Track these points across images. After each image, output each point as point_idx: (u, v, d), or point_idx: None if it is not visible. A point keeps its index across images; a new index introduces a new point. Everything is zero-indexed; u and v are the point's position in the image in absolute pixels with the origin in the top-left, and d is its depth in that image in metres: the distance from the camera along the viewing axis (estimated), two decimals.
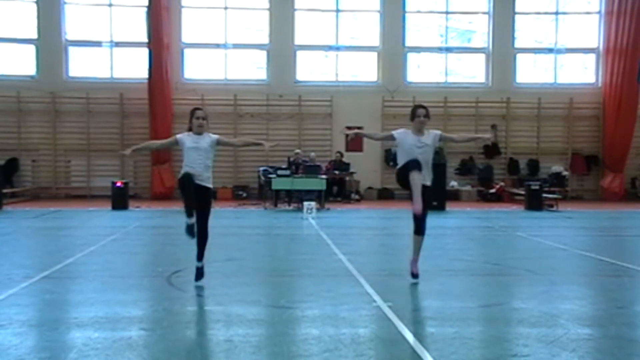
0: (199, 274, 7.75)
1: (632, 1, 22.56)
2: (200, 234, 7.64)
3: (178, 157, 6.94)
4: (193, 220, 7.40)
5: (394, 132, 7.96)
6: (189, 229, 7.41)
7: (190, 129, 7.68)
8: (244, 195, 22.26)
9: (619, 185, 23.09)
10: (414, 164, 7.51)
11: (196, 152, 7.54)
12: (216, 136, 7.81)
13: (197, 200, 7.51)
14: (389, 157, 22.67)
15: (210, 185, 7.67)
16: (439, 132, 8.02)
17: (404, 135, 7.85)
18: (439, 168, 18.89)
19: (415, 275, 7.81)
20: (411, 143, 7.73)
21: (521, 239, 12.62)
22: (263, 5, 23.38)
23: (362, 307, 6.65)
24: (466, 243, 12.31)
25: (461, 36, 25.00)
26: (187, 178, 7.44)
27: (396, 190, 21.64)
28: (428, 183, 7.70)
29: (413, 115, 7.84)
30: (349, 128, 23.34)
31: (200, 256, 7.76)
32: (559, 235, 12.93)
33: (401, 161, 7.77)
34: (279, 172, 18.84)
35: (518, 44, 24.08)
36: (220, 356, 5.07)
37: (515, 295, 7.67)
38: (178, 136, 7.79)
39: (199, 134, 7.63)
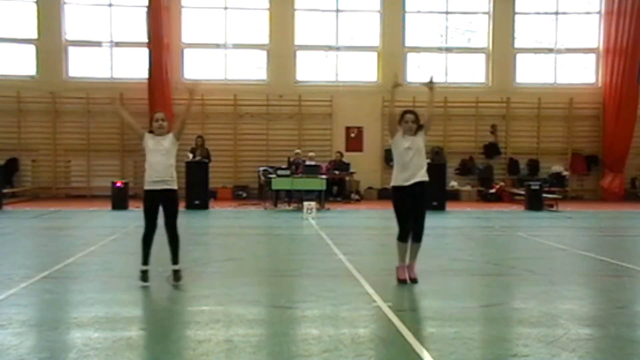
0: (177, 277, 7.72)
1: (632, 1, 22.55)
2: (170, 237, 7.72)
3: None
4: (147, 267, 7.60)
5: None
6: (143, 275, 7.58)
7: (151, 131, 7.78)
8: (244, 195, 22.26)
9: (619, 185, 23.09)
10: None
11: (158, 153, 7.68)
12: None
13: (163, 203, 7.67)
14: (389, 157, 22.64)
15: (175, 187, 7.75)
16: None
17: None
18: (439, 168, 19.08)
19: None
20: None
21: (521, 239, 12.61)
22: (263, 5, 23.38)
23: (362, 307, 6.65)
24: (466, 243, 12.30)
25: (461, 36, 24.99)
26: (150, 200, 7.63)
27: None
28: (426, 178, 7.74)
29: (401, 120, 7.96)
30: (349, 128, 23.72)
31: (175, 260, 7.75)
32: (559, 235, 12.92)
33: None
34: (279, 172, 18.83)
35: (518, 44, 24.07)
36: (220, 356, 5.07)
37: (515, 295, 7.66)
38: (145, 133, 7.81)
39: (161, 135, 7.76)
